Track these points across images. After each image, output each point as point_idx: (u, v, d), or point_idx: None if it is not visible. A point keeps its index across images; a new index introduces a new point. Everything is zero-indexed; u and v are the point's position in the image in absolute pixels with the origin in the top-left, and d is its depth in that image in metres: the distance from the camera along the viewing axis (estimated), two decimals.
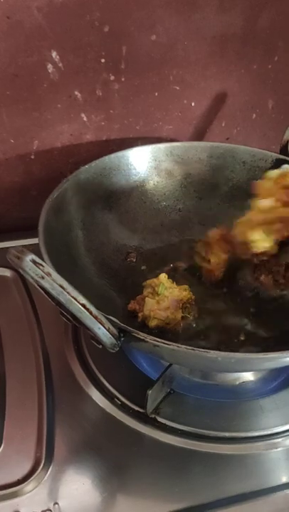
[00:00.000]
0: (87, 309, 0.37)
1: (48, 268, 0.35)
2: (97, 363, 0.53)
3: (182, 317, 0.51)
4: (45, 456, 0.45)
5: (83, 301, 0.36)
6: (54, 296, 0.36)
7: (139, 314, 0.50)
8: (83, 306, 0.36)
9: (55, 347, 0.55)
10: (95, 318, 0.37)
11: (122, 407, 0.50)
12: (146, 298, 0.50)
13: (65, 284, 0.36)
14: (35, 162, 0.68)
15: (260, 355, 0.40)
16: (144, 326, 0.52)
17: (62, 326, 0.57)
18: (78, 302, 0.36)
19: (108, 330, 0.38)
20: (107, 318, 0.39)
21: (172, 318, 0.50)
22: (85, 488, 0.44)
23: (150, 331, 0.51)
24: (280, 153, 0.64)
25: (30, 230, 0.55)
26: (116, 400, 0.50)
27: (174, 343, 0.40)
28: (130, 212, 0.63)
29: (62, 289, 0.35)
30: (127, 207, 0.64)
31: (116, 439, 0.48)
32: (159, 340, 0.40)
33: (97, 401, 0.50)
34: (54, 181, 0.57)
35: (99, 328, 0.38)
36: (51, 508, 0.42)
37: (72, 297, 0.36)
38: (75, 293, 0.36)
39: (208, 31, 0.66)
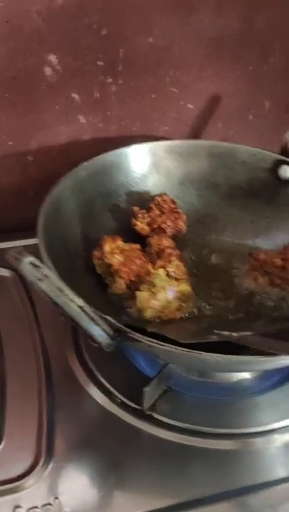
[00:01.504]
0: (84, 311, 0.37)
1: (47, 270, 0.36)
2: (96, 361, 0.54)
3: (178, 308, 0.52)
4: (45, 452, 0.46)
5: (80, 303, 0.37)
6: (51, 298, 0.37)
7: (133, 310, 0.51)
8: (80, 308, 0.37)
9: (54, 346, 0.56)
10: (92, 319, 0.38)
11: (121, 405, 0.50)
12: (137, 292, 0.50)
13: (62, 286, 0.36)
14: (33, 163, 0.69)
15: (255, 358, 0.40)
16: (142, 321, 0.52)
17: (61, 325, 0.58)
18: (76, 304, 0.37)
19: (104, 331, 0.39)
20: (104, 318, 0.40)
21: (167, 307, 0.50)
22: (85, 484, 0.45)
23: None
24: (281, 154, 0.65)
25: (28, 231, 0.55)
26: (115, 397, 0.51)
27: (168, 344, 0.40)
28: (130, 209, 0.63)
29: (60, 292, 0.36)
30: (127, 204, 0.64)
31: (115, 436, 0.48)
32: (153, 340, 0.40)
33: (96, 399, 0.51)
34: (52, 182, 0.58)
35: (95, 330, 0.39)
36: (52, 503, 0.43)
37: (70, 300, 0.37)
38: (72, 295, 0.37)
39: (205, 33, 0.67)
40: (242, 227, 0.65)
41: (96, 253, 0.55)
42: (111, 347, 0.41)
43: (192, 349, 0.40)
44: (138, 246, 0.56)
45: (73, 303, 0.37)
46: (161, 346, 0.40)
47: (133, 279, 0.53)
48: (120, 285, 0.53)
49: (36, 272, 0.35)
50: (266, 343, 0.44)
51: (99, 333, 0.39)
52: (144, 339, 0.41)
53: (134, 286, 0.53)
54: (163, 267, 0.54)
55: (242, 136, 0.75)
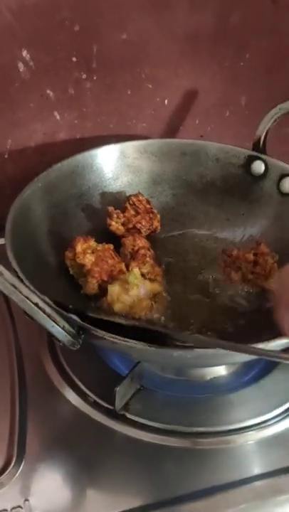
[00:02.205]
0: (40, 308, 0.37)
1: (1, 267, 0.35)
2: (70, 362, 0.53)
3: (149, 307, 0.52)
4: (16, 454, 0.46)
5: (36, 300, 0.37)
6: (7, 296, 0.36)
7: (104, 304, 0.51)
8: (36, 305, 0.37)
9: (28, 345, 0.56)
10: (48, 316, 0.38)
11: (95, 405, 0.50)
12: (109, 286, 0.50)
13: (17, 283, 0.36)
14: (8, 161, 0.68)
15: (213, 351, 0.40)
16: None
17: (36, 326, 0.57)
18: (31, 301, 0.37)
19: (63, 328, 0.39)
20: (64, 317, 0.39)
21: (137, 304, 0.50)
22: (56, 485, 0.45)
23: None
24: (253, 150, 0.65)
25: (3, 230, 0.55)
26: (89, 397, 0.51)
27: (131, 340, 0.40)
28: (104, 209, 0.63)
29: (14, 288, 0.36)
30: (101, 205, 0.64)
31: (88, 436, 0.48)
32: (116, 337, 0.40)
33: (70, 399, 0.51)
34: (28, 180, 0.58)
35: (52, 327, 0.39)
36: (21, 505, 0.42)
37: (25, 296, 0.36)
38: (27, 292, 0.37)
39: (180, 30, 0.66)
40: (218, 225, 0.65)
41: (68, 254, 0.55)
42: (75, 345, 0.41)
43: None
44: (111, 246, 0.56)
45: (28, 300, 0.36)
46: (124, 342, 0.40)
47: (105, 278, 0.53)
48: (93, 285, 0.53)
49: None
50: (213, 342, 0.44)
51: (57, 330, 0.39)
52: (108, 336, 0.40)
53: (106, 286, 0.53)
54: (138, 267, 0.54)
55: (219, 132, 0.75)
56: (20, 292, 0.36)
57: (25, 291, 0.36)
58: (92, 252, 0.54)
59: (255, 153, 0.64)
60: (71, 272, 0.56)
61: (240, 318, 0.55)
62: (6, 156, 0.68)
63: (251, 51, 0.71)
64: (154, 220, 0.62)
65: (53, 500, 0.43)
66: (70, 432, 0.49)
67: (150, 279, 0.53)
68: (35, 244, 0.55)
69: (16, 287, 0.36)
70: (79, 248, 0.54)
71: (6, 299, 0.61)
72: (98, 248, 0.55)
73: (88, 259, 0.53)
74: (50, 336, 0.41)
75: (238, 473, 0.46)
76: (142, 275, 0.53)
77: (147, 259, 0.55)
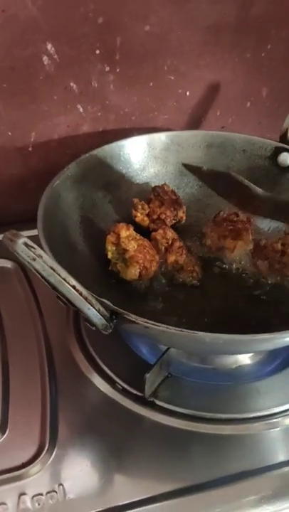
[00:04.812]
0: (77, 290, 0.38)
1: (40, 250, 0.36)
2: (98, 350, 0.54)
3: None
4: (49, 440, 0.47)
5: (73, 282, 0.37)
6: (45, 278, 0.37)
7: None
8: (73, 287, 0.37)
9: (56, 335, 0.57)
10: (85, 299, 0.38)
11: (123, 392, 0.51)
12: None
13: (55, 265, 0.37)
14: (32, 154, 0.69)
15: (248, 337, 0.40)
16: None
17: (63, 315, 0.59)
18: (68, 283, 0.37)
19: (98, 311, 0.39)
20: (99, 301, 0.40)
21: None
22: (88, 470, 0.45)
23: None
24: (280, 142, 0.65)
25: (30, 222, 0.56)
26: (117, 385, 0.51)
27: (163, 325, 0.41)
28: (131, 200, 0.63)
29: (52, 271, 0.37)
30: (128, 195, 0.65)
31: (118, 423, 0.49)
32: (149, 321, 0.41)
33: (98, 386, 0.52)
34: (52, 173, 0.59)
35: (88, 309, 0.39)
36: (56, 489, 0.44)
37: (63, 278, 0.37)
38: (65, 274, 0.37)
39: (202, 21, 0.66)
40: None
41: (110, 238, 0.55)
42: (107, 329, 0.41)
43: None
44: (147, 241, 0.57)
45: (66, 282, 0.37)
46: (156, 327, 0.41)
47: (147, 266, 0.54)
48: (135, 271, 0.54)
49: (30, 252, 0.36)
50: None
51: (93, 312, 0.39)
52: (140, 320, 0.41)
53: (145, 275, 0.54)
54: (176, 261, 0.55)
55: (240, 123, 0.75)
56: (59, 275, 0.37)
57: (63, 273, 0.37)
58: (133, 240, 0.55)
59: (282, 145, 0.64)
60: (109, 257, 0.56)
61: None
62: (30, 149, 0.69)
63: (272, 42, 0.71)
64: (179, 211, 0.63)
65: (85, 485, 0.44)
66: (100, 418, 0.49)
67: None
68: (65, 232, 0.56)
69: (54, 270, 0.37)
70: (124, 233, 0.54)
71: (33, 290, 0.62)
72: (137, 237, 0.55)
73: (132, 246, 0.54)
74: (85, 320, 0.42)
75: (264, 459, 0.47)
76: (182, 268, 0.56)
77: (184, 251, 0.56)
